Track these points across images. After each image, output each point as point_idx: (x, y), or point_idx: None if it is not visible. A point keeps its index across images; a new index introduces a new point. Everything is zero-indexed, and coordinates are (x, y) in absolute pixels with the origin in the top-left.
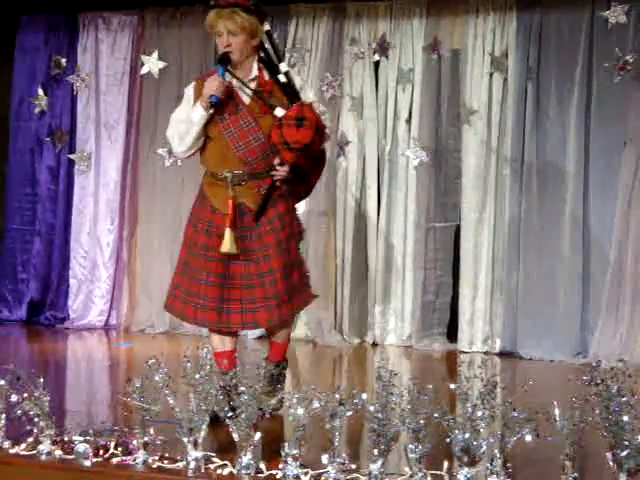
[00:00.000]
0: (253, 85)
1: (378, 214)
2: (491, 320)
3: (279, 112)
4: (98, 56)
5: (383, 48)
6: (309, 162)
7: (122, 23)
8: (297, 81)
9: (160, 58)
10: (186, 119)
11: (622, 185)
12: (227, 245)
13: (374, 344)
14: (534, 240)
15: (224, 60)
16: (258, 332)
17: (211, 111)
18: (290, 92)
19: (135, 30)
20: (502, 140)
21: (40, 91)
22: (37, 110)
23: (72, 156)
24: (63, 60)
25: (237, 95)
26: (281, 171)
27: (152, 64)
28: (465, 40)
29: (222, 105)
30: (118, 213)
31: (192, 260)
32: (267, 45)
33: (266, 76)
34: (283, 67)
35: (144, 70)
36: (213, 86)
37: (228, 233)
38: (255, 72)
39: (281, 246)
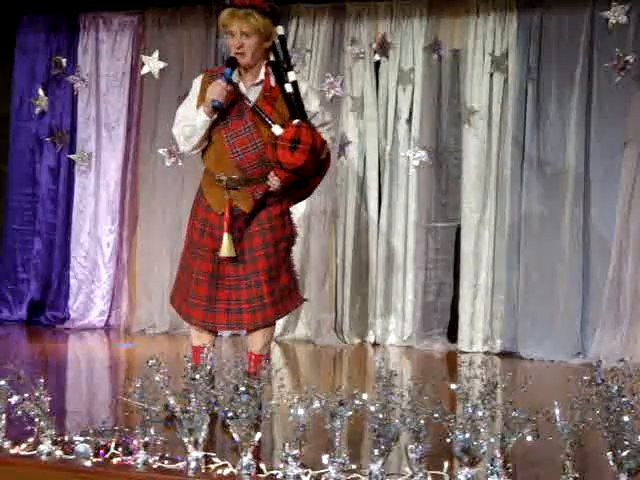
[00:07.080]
0: (259, 89)
1: (379, 214)
2: (491, 320)
3: (277, 130)
4: (98, 56)
5: (384, 48)
6: (310, 172)
7: (122, 23)
8: (303, 89)
9: (160, 58)
10: (191, 122)
11: (622, 185)
12: (225, 250)
13: (375, 344)
14: (534, 240)
15: (232, 63)
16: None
17: (214, 116)
18: (293, 104)
19: (135, 30)
20: (502, 140)
21: (40, 91)
22: (37, 110)
23: (72, 156)
24: (63, 60)
25: (242, 99)
26: (274, 182)
27: (152, 64)
28: (465, 40)
29: (226, 109)
30: (118, 213)
31: (189, 256)
32: (279, 49)
33: (272, 81)
34: (291, 76)
35: (144, 70)
36: (216, 91)
37: (226, 237)
38: (262, 76)
39: (268, 248)
